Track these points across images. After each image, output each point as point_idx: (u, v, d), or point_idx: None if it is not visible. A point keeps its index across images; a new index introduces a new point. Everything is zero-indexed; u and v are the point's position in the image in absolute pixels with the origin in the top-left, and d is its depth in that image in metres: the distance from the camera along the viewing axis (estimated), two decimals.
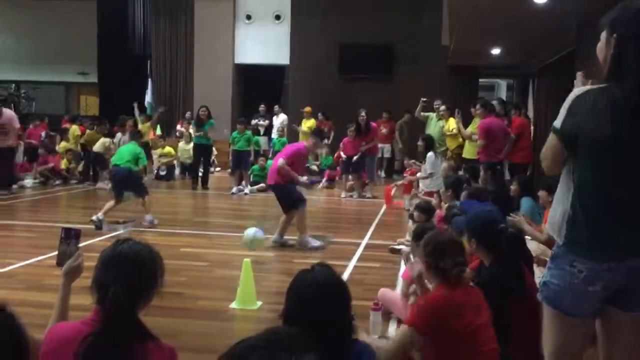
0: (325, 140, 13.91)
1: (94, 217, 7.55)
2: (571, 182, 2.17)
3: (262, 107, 15.30)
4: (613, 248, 2.10)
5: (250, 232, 5.85)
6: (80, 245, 2.49)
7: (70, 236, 2.44)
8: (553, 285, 2.19)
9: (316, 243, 6.74)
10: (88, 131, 13.19)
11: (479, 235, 3.21)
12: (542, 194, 5.53)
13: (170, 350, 1.93)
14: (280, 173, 6.75)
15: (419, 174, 9.64)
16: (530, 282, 3.24)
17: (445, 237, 2.95)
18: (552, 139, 2.22)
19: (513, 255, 3.17)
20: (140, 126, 12.69)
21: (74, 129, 13.37)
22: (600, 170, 2.10)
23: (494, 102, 9.04)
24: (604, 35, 2.18)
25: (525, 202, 6.24)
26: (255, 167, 12.37)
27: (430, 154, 9.16)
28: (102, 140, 12.34)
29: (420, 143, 9.62)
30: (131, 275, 1.92)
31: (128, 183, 8.04)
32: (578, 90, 2.16)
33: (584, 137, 2.09)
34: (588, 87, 2.16)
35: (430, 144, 9.39)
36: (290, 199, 6.79)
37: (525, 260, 3.47)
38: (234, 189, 11.64)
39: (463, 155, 9.69)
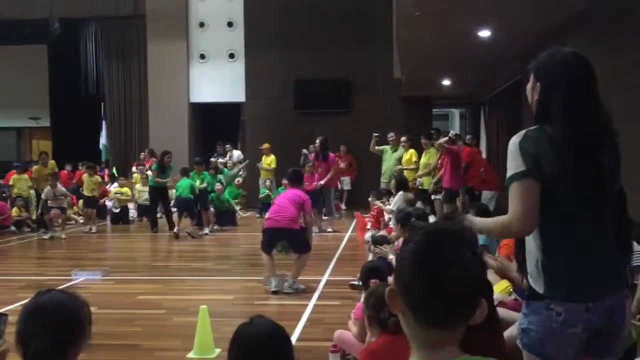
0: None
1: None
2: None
3: (219, 146, 15.26)
4: (589, 286, 2.07)
5: None
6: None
7: None
8: (532, 332, 2.11)
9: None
10: (34, 167, 12.71)
11: None
12: None
13: None
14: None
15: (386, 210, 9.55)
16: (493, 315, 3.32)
17: (384, 289, 3.00)
18: (522, 189, 2.07)
19: None
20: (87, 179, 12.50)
21: (17, 179, 12.94)
22: (561, 208, 2.09)
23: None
24: (531, 78, 2.24)
25: None
26: (213, 195, 12.26)
27: (401, 193, 8.94)
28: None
29: (392, 182, 9.48)
30: (54, 326, 1.82)
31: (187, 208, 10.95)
32: (516, 136, 2.15)
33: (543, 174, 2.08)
34: (524, 131, 2.17)
35: (403, 184, 9.13)
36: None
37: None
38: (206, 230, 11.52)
39: (420, 187, 9.81)
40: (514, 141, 2.14)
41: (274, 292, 6.35)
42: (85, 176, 12.65)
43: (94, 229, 12.09)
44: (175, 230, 11.23)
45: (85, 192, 12.50)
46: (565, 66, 2.15)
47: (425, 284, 1.17)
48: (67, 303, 1.90)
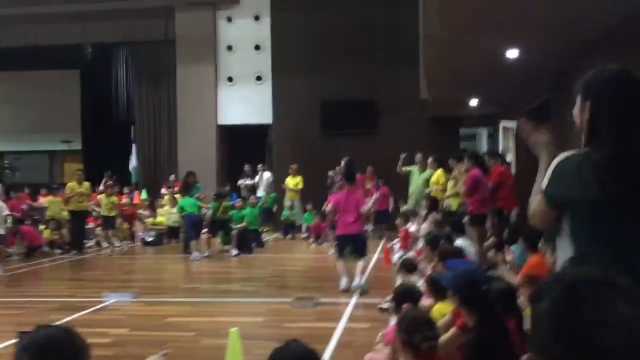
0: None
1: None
2: (570, 245, 2.12)
3: (246, 167, 15.42)
4: None
5: None
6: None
7: None
8: None
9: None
10: (68, 184, 12.70)
11: (462, 294, 3.20)
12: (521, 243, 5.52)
13: None
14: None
15: (412, 230, 9.50)
16: (516, 340, 3.22)
17: (416, 313, 3.02)
18: (541, 199, 2.19)
19: (497, 317, 3.12)
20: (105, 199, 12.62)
21: (51, 201, 13.21)
22: (596, 234, 2.06)
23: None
24: (578, 99, 2.19)
25: (516, 249, 6.23)
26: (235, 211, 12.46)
27: (434, 214, 8.92)
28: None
29: (424, 202, 9.48)
30: None
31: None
32: (562, 155, 2.14)
33: (574, 203, 2.07)
34: (571, 152, 2.15)
35: (436, 205, 9.17)
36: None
37: (516, 314, 3.44)
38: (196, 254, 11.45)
39: (448, 209, 9.68)
40: (556, 159, 2.15)
41: (344, 291, 7.40)
42: (102, 196, 12.73)
43: (116, 247, 12.35)
44: (207, 253, 11.38)
45: (103, 212, 12.56)
46: (616, 83, 2.11)
47: (573, 355, 0.93)
48: (60, 337, 1.89)
